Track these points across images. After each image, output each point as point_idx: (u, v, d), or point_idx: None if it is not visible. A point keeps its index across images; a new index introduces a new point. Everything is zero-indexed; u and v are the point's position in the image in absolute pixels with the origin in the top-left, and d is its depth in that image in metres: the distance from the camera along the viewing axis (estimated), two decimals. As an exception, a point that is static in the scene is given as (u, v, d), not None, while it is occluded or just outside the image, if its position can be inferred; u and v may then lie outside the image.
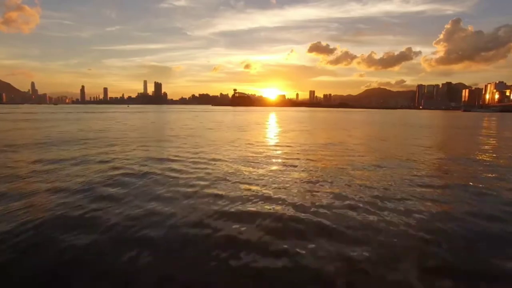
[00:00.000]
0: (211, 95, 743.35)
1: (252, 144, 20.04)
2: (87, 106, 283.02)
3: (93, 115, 68.85)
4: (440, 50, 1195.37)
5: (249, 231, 6.18)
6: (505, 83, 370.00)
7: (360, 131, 34.61)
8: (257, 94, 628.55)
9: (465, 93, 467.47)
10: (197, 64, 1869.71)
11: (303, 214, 7.10)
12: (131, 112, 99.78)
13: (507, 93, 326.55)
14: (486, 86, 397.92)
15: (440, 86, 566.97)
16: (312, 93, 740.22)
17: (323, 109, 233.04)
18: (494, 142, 24.51)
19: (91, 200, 7.97)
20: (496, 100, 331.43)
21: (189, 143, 19.59)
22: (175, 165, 12.57)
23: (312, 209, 7.42)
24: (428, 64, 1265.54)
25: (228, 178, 10.59)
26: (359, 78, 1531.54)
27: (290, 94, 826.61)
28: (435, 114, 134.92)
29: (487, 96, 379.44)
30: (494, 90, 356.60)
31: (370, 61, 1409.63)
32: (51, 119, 49.21)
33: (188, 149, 17.14)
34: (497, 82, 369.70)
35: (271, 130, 34.27)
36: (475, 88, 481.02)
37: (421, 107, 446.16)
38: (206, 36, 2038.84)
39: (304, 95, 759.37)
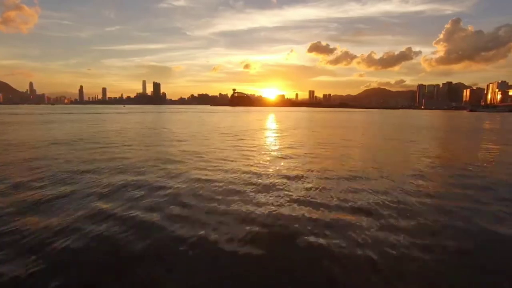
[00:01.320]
0: (210, 95, 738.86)
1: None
2: (83, 106, 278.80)
3: (76, 117, 63.89)
4: (440, 50, 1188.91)
5: None
6: (507, 83, 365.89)
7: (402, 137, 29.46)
8: (257, 94, 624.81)
9: (466, 93, 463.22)
10: (196, 64, 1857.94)
11: None
12: (124, 113, 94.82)
13: (510, 93, 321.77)
14: (488, 85, 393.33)
15: (441, 86, 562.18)
16: (311, 93, 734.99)
17: (324, 109, 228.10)
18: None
19: None
20: (498, 100, 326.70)
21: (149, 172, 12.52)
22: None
23: None
24: (428, 64, 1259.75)
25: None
26: (358, 78, 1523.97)
27: (290, 94, 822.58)
28: (442, 115, 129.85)
29: (489, 96, 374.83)
30: (497, 90, 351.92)
31: (370, 61, 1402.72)
32: (15, 122, 44.10)
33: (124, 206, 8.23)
34: (500, 81, 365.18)
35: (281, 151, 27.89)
36: (477, 88, 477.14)
37: (422, 107, 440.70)
38: (205, 36, 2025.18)
39: (303, 95, 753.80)
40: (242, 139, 24.41)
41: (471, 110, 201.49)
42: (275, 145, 21.62)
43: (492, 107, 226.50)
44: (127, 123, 43.72)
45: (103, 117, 62.68)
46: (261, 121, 57.71)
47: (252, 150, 18.13)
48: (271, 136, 27.95)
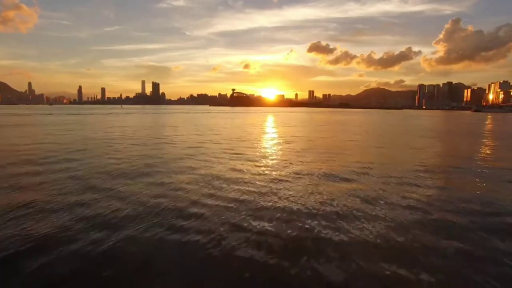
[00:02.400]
0: (209, 95, 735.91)
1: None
2: (80, 107, 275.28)
3: (58, 119, 59.97)
4: (440, 50, 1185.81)
5: None
6: (509, 83, 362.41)
7: None
8: (256, 94, 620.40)
9: (467, 93, 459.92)
10: (196, 64, 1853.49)
11: None
12: (117, 114, 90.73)
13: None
14: (489, 86, 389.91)
15: (441, 85, 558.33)
16: (311, 93, 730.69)
17: (325, 110, 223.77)
18: None
19: None
20: (500, 100, 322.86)
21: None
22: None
23: None
24: (427, 64, 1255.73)
25: None
26: (358, 78, 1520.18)
27: (289, 94, 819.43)
28: (448, 115, 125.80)
29: (491, 96, 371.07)
30: (499, 90, 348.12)
31: (369, 61, 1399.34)
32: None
33: None
34: (501, 81, 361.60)
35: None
36: (477, 88, 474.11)
37: (424, 107, 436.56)
38: (205, 36, 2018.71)
39: (303, 95, 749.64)
40: (244, 154, 17.96)
41: (476, 110, 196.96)
42: (291, 163, 15.30)
43: (497, 107, 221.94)
44: (109, 128, 38.36)
45: (90, 119, 58.55)
46: (262, 124, 53.66)
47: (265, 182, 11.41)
48: (281, 150, 19.97)
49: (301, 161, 15.73)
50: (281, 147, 21.74)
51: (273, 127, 43.58)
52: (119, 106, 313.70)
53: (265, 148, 21.25)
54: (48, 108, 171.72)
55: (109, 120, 55.00)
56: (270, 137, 29.36)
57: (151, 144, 22.52)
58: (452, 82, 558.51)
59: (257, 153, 18.47)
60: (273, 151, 19.88)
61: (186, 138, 26.30)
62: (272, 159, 16.45)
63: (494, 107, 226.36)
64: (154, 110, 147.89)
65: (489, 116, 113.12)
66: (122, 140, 24.64)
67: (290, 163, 15.13)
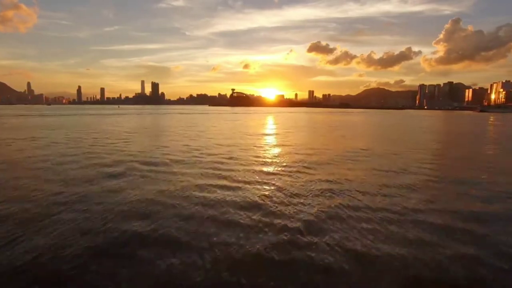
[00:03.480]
0: (209, 95, 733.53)
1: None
2: (78, 107, 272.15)
3: (36, 120, 56.75)
4: (440, 50, 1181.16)
5: None
6: None
7: None
8: (256, 94, 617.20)
9: (468, 93, 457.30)
10: (196, 64, 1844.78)
11: None
12: (109, 115, 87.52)
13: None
14: (491, 85, 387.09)
15: (441, 85, 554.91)
16: (311, 93, 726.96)
17: (325, 110, 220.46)
18: None
19: None
20: (503, 99, 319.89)
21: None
22: None
23: None
24: (427, 64, 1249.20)
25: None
26: (358, 78, 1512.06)
27: (289, 94, 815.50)
28: (454, 115, 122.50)
29: (493, 96, 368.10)
30: (501, 90, 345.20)
31: (369, 61, 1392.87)
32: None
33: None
34: (504, 81, 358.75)
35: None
36: (479, 88, 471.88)
37: (425, 107, 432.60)
38: (204, 36, 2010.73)
39: (303, 95, 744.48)
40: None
41: (481, 111, 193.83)
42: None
43: (503, 107, 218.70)
44: (83, 135, 30.93)
45: (71, 121, 55.25)
46: (263, 127, 50.39)
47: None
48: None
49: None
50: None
51: (282, 136, 39.86)
52: (116, 106, 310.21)
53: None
54: (41, 109, 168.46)
55: (91, 123, 51.85)
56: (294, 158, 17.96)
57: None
58: (452, 82, 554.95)
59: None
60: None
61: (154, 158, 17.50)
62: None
63: (501, 107, 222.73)
64: (152, 110, 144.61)
65: (493, 117, 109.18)
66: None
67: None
